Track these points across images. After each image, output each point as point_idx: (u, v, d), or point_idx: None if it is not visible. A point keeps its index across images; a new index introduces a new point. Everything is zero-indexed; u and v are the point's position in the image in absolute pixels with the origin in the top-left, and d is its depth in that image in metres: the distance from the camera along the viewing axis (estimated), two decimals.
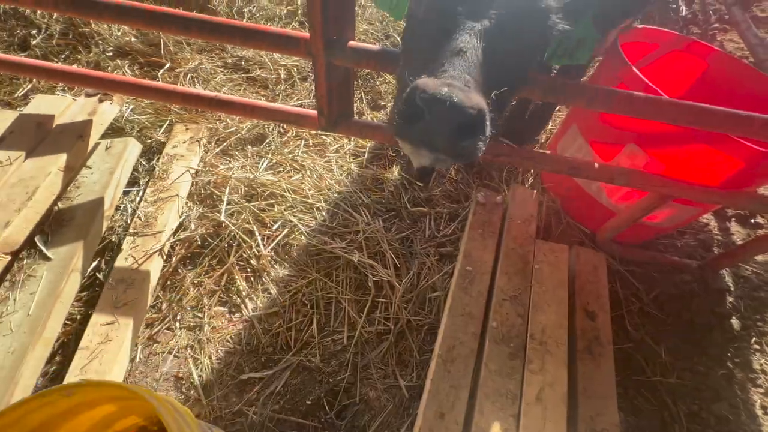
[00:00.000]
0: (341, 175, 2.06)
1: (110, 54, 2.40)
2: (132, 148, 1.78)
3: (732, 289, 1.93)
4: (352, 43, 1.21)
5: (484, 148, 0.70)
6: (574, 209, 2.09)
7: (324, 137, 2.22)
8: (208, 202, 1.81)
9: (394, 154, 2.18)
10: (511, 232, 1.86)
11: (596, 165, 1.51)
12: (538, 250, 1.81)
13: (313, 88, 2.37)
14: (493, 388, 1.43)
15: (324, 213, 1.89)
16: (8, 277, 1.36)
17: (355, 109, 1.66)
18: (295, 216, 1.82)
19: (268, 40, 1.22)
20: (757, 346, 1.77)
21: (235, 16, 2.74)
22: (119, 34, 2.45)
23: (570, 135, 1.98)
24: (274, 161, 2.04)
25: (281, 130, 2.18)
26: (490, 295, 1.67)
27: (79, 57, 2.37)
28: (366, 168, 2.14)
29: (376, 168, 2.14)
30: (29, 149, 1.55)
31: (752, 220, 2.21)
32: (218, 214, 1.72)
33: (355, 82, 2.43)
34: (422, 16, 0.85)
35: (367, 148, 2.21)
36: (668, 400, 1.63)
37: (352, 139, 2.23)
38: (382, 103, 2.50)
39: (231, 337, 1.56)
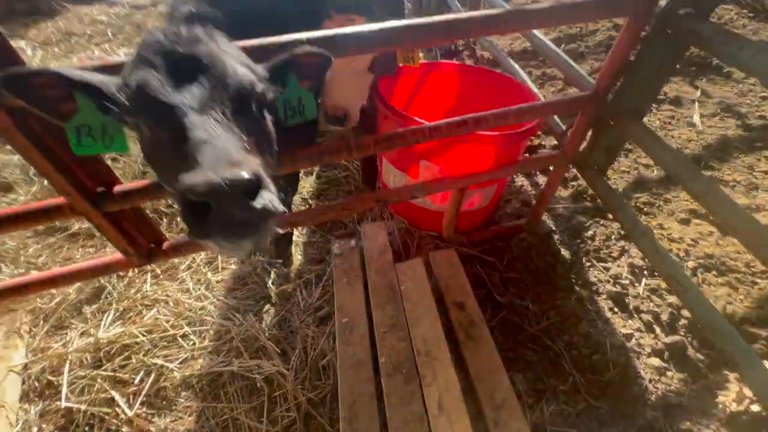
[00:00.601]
0: (200, 289, 2.01)
1: None
2: None
3: (554, 228, 2.36)
4: (118, 187, 1.26)
5: (281, 208, 0.68)
6: (419, 222, 2.36)
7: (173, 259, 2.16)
8: (47, 392, 1.59)
9: None
10: (372, 266, 2.02)
11: (399, 189, 1.77)
12: (400, 273, 2.00)
13: None
14: (401, 419, 1.50)
15: (192, 337, 1.81)
16: None
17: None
18: (157, 357, 1.71)
19: (28, 218, 1.19)
20: (588, 263, 2.18)
21: (34, 179, 2.56)
22: None
23: (386, 168, 2.28)
24: (122, 308, 1.91)
25: (119, 274, 2.06)
26: (372, 334, 1.77)
27: None
28: (224, 270, 2.13)
29: (233, 265, 2.15)
30: None
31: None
32: (59, 402, 1.52)
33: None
34: (146, 131, 0.79)
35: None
36: (548, 342, 1.89)
37: None
38: None
39: None
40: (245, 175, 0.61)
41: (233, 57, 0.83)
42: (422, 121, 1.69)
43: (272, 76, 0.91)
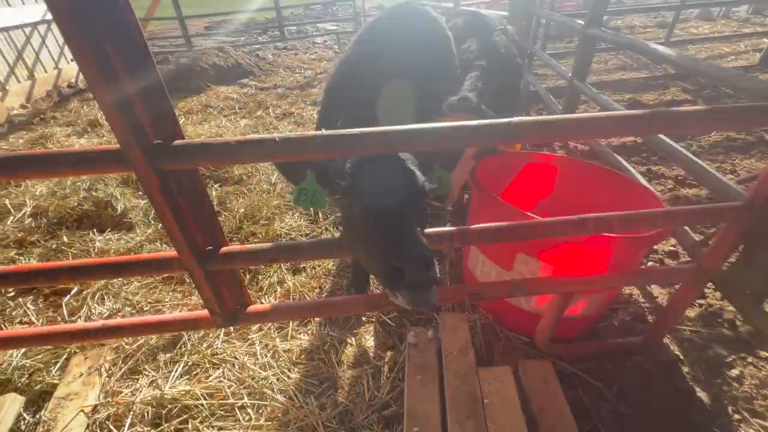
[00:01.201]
0: (266, 356, 1.93)
1: (11, 294, 2.32)
2: (11, 407, 1.56)
3: (681, 357, 1.89)
4: (224, 249, 1.29)
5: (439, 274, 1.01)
6: (506, 320, 2.09)
7: None
8: None
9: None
10: (451, 367, 1.77)
11: (496, 285, 1.58)
12: (483, 381, 1.71)
13: None
14: None
15: (249, 410, 1.69)
16: None
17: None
18: (213, 428, 1.60)
19: (139, 268, 1.26)
20: (736, 416, 1.65)
21: (152, 223, 2.90)
22: None
23: (473, 254, 2.12)
24: (191, 362, 1.89)
25: None
26: None
27: None
28: (293, 339, 2.05)
29: (303, 336, 2.06)
30: None
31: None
32: None
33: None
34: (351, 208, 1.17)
35: None
36: None
37: None
38: (302, 266, 2.56)
39: None
40: (437, 275, 0.97)
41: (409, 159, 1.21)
42: (532, 215, 1.55)
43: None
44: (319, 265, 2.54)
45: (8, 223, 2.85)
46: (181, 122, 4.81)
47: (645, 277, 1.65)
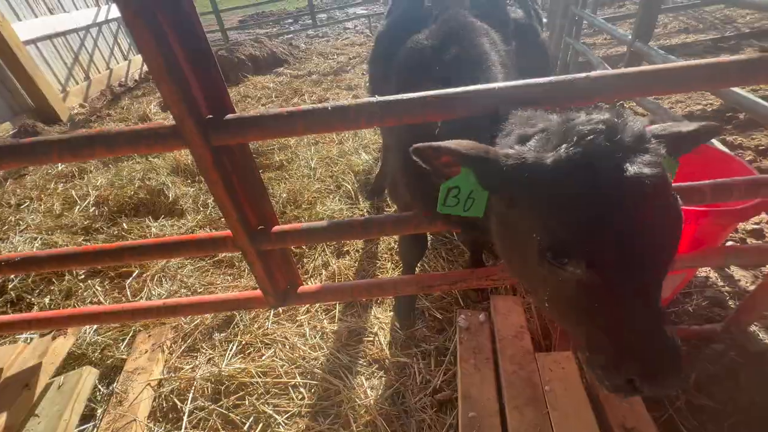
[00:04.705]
0: (315, 338, 1.94)
1: (82, 276, 2.51)
2: (87, 378, 1.68)
3: None
4: (276, 228, 1.28)
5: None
6: None
7: None
8: (171, 416, 1.62)
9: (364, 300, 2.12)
10: (506, 352, 1.68)
11: None
12: (543, 367, 1.60)
13: None
14: None
15: (301, 389, 1.71)
16: None
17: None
18: (269, 404, 1.63)
19: (194, 247, 1.28)
20: None
21: (201, 209, 3.01)
22: None
23: None
24: (244, 342, 1.94)
25: None
26: None
27: (52, 288, 2.45)
28: (340, 321, 2.04)
29: (350, 318, 2.05)
30: None
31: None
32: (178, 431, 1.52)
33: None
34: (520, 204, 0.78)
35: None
36: None
37: None
38: (345, 249, 2.55)
39: None
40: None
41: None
42: None
43: None
44: (363, 248, 2.52)
45: (75, 211, 3.07)
46: None
47: (735, 255, 1.45)
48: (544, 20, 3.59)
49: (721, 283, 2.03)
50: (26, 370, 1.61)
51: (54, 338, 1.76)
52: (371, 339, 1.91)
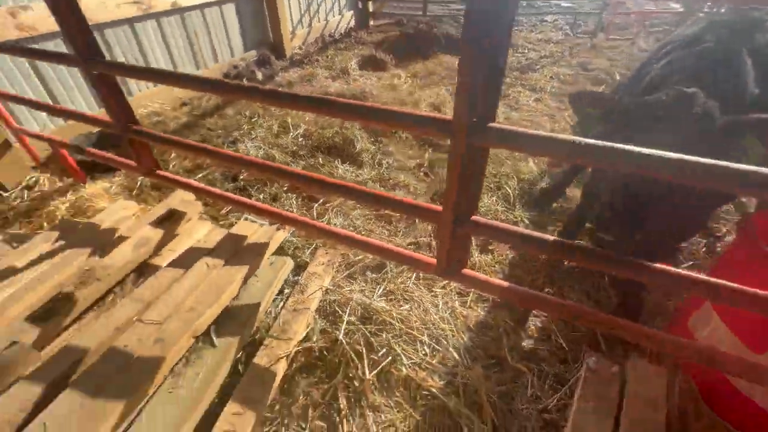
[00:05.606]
0: (445, 312, 2.20)
1: (285, 189, 3.27)
2: (287, 265, 2.30)
3: None
4: (474, 218, 1.51)
5: None
6: (719, 403, 1.75)
7: None
8: (330, 318, 2.12)
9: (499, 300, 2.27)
10: (633, 414, 1.65)
11: (741, 359, 1.35)
12: None
13: (429, 227, 2.76)
14: None
15: (426, 348, 2.01)
16: (185, 354, 1.79)
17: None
18: (399, 346, 1.98)
19: (405, 208, 1.60)
20: None
21: (376, 166, 3.51)
22: None
23: (703, 312, 1.81)
24: (388, 289, 2.33)
25: None
26: None
27: (266, 189, 3.28)
28: (470, 308, 2.26)
29: (480, 311, 2.24)
30: (227, 259, 2.17)
31: None
32: (337, 332, 1.99)
33: None
34: None
35: (473, 290, 2.36)
36: None
37: None
38: (490, 247, 2.70)
39: None
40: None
41: None
42: None
43: None
44: (507, 252, 2.64)
45: (289, 137, 3.93)
46: (406, 84, 5.43)
47: None
48: None
49: None
50: (260, 244, 2.30)
51: (278, 229, 2.45)
52: (496, 337, 2.08)
